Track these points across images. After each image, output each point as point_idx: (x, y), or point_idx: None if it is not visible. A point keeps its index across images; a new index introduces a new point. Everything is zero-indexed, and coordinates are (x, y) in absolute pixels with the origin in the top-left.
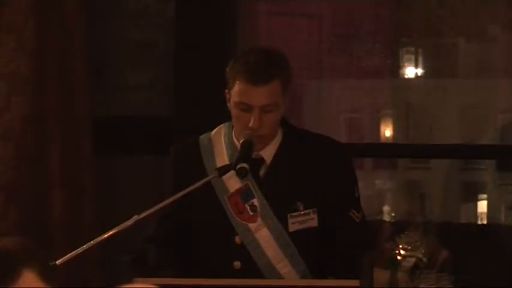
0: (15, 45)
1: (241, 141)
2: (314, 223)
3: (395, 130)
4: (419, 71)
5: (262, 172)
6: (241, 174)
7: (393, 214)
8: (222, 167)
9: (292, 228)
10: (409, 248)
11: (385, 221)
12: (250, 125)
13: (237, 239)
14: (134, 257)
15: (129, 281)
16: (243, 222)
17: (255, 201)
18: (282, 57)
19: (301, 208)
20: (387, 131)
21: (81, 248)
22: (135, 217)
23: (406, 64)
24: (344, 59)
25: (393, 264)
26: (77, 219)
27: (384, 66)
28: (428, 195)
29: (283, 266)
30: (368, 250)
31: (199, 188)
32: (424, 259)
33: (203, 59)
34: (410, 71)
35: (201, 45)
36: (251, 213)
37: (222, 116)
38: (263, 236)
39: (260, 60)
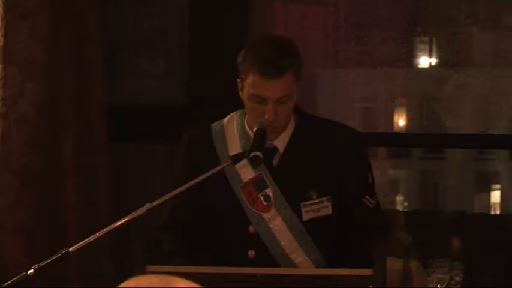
0: (30, 31)
1: (254, 130)
2: (328, 211)
3: (409, 119)
4: (434, 60)
5: (275, 161)
6: (254, 162)
7: (407, 203)
8: (235, 155)
9: (306, 216)
10: None
11: (398, 210)
12: (266, 117)
13: (251, 229)
14: (148, 245)
15: (143, 268)
16: (257, 212)
17: (269, 191)
18: (293, 46)
19: (314, 197)
20: (401, 121)
21: (94, 236)
22: (148, 205)
23: (420, 53)
24: (358, 48)
25: (406, 253)
26: (91, 205)
27: (399, 55)
28: (442, 185)
29: (298, 255)
30: (383, 236)
31: (212, 176)
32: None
33: (218, 47)
34: (425, 60)
35: (216, 33)
36: (265, 203)
37: (237, 104)
38: (277, 226)
39: (272, 53)
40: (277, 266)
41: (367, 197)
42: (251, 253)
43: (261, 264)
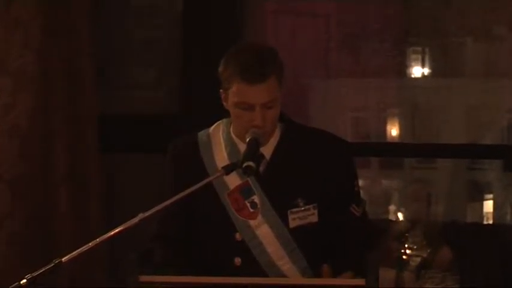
0: (22, 42)
1: (247, 140)
2: (314, 218)
3: (402, 129)
4: (426, 71)
5: (262, 168)
6: (247, 172)
7: (399, 213)
8: (228, 165)
9: (292, 224)
10: (415, 247)
11: (391, 221)
12: (255, 123)
13: (237, 236)
14: (140, 255)
15: (135, 278)
16: (243, 218)
17: (255, 198)
18: (273, 52)
19: (301, 204)
20: (393, 131)
21: (87, 246)
22: (141, 215)
23: (413, 63)
24: (351, 58)
25: (399, 263)
26: (82, 216)
27: (391, 65)
28: (435, 194)
29: (285, 263)
30: (369, 244)
31: (204, 185)
32: (424, 255)
33: (209, 57)
34: (417, 71)
35: (207, 43)
36: (251, 210)
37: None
38: (264, 233)
39: (253, 59)
40: (263, 273)
41: (353, 205)
42: (237, 260)
43: (247, 272)
